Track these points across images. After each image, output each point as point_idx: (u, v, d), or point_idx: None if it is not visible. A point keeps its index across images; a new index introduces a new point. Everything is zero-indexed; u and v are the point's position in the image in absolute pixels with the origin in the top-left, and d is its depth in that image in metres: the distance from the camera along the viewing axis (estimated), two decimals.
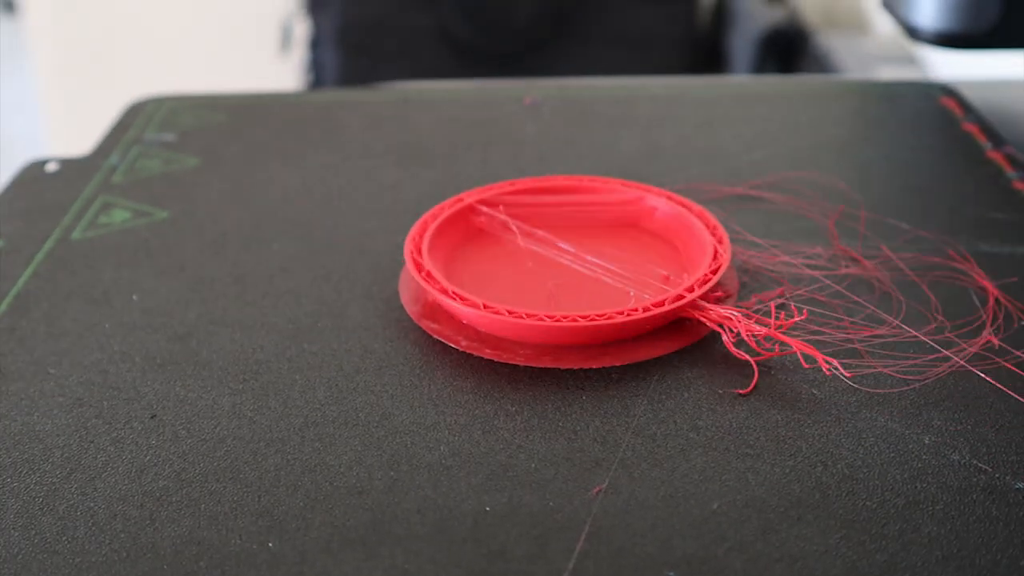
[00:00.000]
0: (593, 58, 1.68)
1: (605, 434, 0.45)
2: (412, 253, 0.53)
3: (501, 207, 0.58)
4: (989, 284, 0.53)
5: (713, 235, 0.54)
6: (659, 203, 0.58)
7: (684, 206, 0.57)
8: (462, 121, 0.75)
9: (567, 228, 0.58)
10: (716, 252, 0.53)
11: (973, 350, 0.49)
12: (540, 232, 0.56)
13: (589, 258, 0.55)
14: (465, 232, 0.57)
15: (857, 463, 0.43)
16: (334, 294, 0.55)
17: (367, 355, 0.50)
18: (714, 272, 0.52)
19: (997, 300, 0.52)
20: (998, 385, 0.47)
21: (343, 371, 0.49)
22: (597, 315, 0.49)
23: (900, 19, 0.66)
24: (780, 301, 0.49)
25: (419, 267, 0.52)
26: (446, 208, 0.57)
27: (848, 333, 0.49)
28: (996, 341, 0.49)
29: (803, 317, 0.49)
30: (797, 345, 0.48)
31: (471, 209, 0.58)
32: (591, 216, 0.59)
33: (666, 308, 0.49)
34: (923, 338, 0.49)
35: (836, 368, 0.47)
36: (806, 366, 0.48)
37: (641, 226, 0.59)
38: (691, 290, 0.50)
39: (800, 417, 0.46)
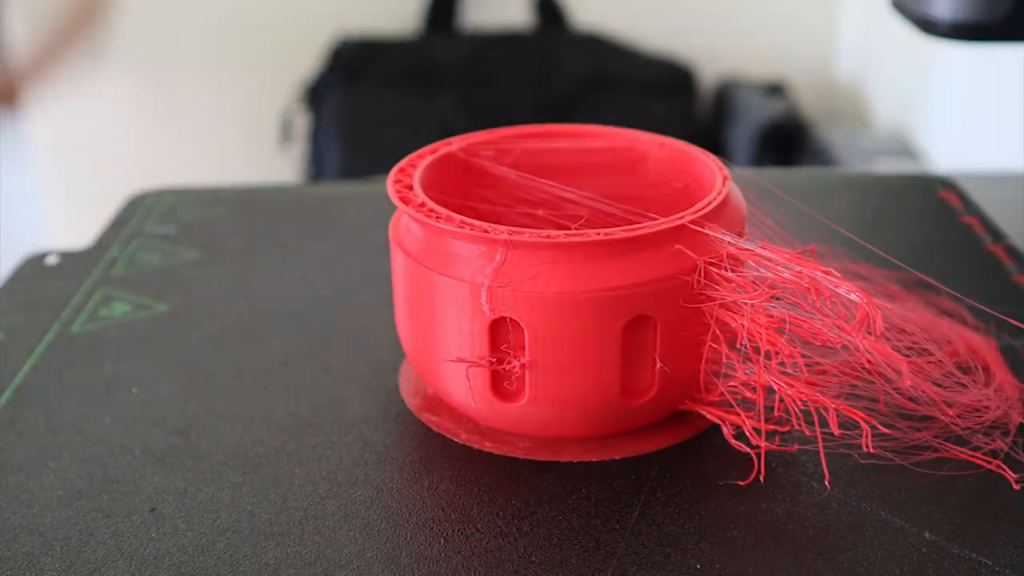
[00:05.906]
0: None
1: (605, 528, 0.45)
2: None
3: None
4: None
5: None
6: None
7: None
8: None
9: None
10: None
11: (976, 445, 0.49)
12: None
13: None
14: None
15: (858, 556, 0.43)
16: (334, 387, 0.55)
17: (367, 448, 0.50)
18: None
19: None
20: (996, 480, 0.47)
21: (343, 464, 0.49)
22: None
23: (913, 14, 0.65)
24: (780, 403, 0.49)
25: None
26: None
27: (850, 428, 0.49)
28: (1003, 445, 0.49)
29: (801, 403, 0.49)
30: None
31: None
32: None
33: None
34: (925, 434, 0.49)
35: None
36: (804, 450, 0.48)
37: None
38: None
39: (800, 510, 0.46)
